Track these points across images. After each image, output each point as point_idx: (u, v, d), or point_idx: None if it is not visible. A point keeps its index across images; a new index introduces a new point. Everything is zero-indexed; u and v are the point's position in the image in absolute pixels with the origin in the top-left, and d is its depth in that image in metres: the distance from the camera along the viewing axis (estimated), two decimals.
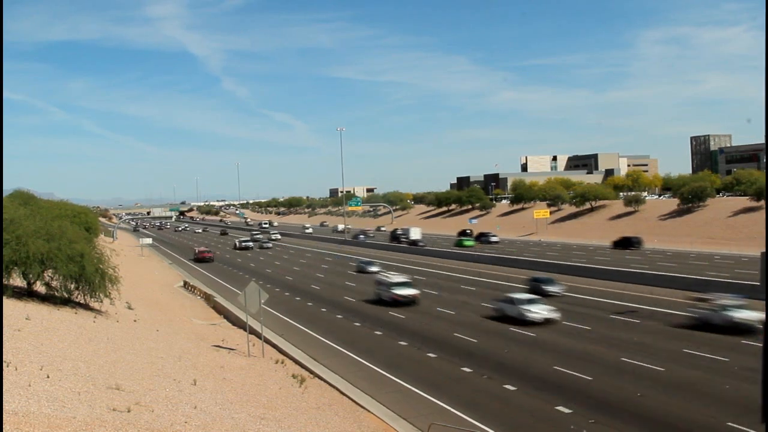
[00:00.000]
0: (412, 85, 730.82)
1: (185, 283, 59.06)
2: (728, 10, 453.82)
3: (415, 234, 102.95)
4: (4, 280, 26.70)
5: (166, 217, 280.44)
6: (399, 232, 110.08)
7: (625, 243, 79.04)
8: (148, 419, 13.66)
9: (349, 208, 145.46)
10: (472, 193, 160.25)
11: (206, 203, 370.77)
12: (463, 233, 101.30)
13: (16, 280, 29.08)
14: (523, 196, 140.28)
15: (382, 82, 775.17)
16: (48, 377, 14.93)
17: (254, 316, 29.26)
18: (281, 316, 39.99)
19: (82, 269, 28.85)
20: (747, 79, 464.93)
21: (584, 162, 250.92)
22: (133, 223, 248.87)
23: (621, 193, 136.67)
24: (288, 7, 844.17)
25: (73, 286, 29.65)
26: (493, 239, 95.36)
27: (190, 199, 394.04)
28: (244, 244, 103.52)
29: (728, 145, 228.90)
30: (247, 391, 20.12)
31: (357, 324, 36.72)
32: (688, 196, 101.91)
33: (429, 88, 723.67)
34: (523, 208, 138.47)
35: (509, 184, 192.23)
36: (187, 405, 15.96)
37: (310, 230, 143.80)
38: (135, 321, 31.41)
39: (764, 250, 29.42)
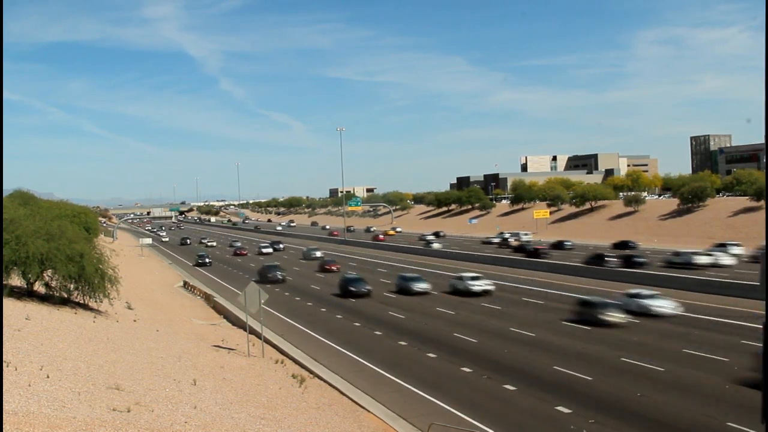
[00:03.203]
0: (410, 86, 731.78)
1: (185, 283, 59.07)
2: (723, 11, 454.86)
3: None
4: (3, 280, 26.68)
5: (166, 217, 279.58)
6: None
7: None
8: (148, 419, 13.65)
9: (349, 208, 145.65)
10: (472, 193, 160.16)
11: (206, 203, 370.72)
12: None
13: (16, 280, 29.07)
14: (522, 196, 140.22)
15: (380, 82, 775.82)
16: (48, 377, 14.92)
17: (254, 316, 29.25)
18: (281, 316, 39.98)
19: (81, 269, 28.83)
20: (744, 80, 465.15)
21: (584, 162, 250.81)
22: (161, 227, 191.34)
23: (621, 193, 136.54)
24: (285, 8, 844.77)
25: (72, 286, 29.64)
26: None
27: (190, 199, 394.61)
28: None
29: (728, 145, 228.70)
30: (247, 391, 20.11)
31: (357, 324, 36.72)
32: (688, 196, 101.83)
33: (427, 88, 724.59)
34: (523, 208, 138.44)
35: (509, 184, 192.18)
36: (187, 405, 15.94)
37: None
38: (135, 321, 31.41)
39: (764, 250, 29.52)
